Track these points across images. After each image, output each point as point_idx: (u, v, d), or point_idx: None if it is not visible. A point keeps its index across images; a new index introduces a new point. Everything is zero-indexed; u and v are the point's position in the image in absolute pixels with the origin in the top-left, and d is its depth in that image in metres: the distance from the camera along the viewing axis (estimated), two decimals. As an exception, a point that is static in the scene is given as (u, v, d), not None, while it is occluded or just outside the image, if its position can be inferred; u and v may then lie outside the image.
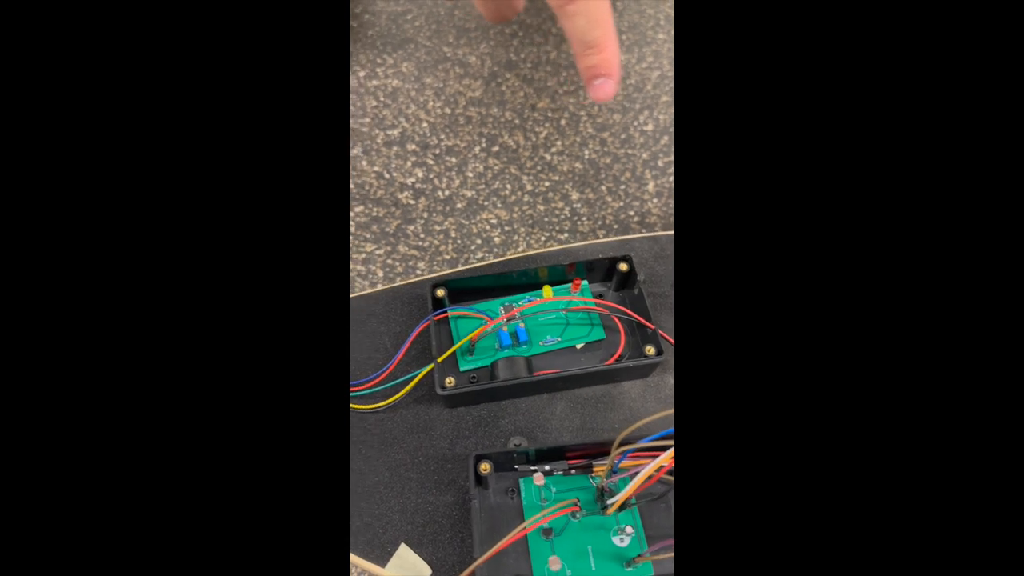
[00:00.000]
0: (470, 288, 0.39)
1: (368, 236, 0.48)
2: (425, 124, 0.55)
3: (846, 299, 0.18)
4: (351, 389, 0.35)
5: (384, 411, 0.35)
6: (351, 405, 0.35)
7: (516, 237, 0.49)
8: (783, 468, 0.18)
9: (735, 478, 0.18)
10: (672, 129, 0.55)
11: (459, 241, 0.48)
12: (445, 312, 0.37)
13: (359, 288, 0.45)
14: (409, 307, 0.38)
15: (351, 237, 0.48)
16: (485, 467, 0.31)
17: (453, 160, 0.53)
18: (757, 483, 0.18)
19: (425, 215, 0.49)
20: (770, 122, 0.19)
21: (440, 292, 0.37)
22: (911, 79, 0.18)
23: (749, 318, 0.18)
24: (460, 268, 0.44)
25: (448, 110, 0.56)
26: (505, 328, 0.37)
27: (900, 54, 0.18)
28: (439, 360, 0.34)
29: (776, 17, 0.19)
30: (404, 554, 0.31)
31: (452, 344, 0.36)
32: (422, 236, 0.48)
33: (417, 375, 0.34)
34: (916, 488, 0.17)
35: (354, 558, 0.31)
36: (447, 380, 0.34)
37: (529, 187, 0.52)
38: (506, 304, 0.39)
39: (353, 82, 0.57)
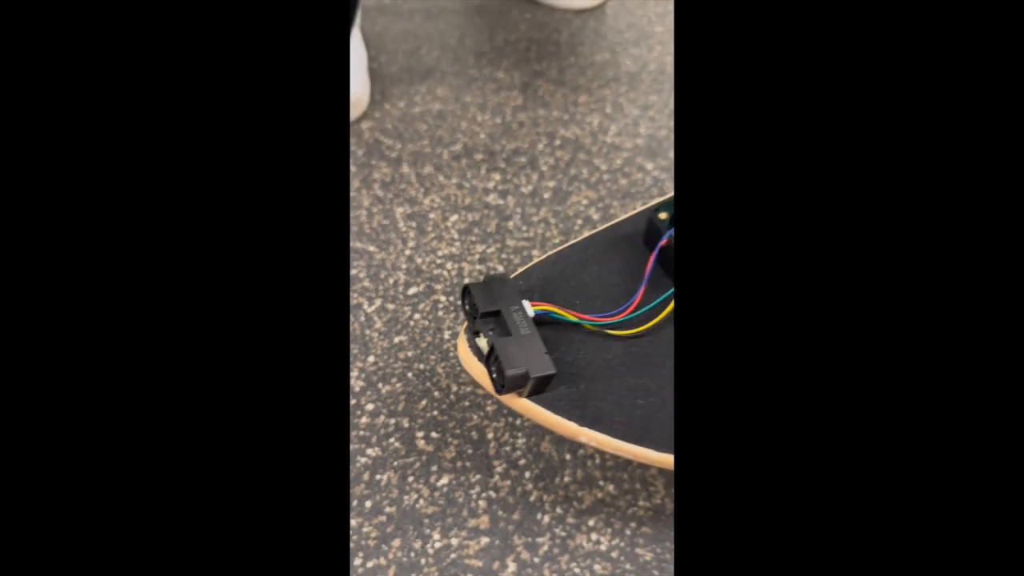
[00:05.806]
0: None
1: (474, 239, 0.49)
2: (482, 135, 0.57)
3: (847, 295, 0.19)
4: (610, 319, 0.33)
5: (646, 334, 0.34)
6: (614, 332, 0.33)
7: (612, 211, 0.50)
8: (784, 467, 0.18)
9: (735, 477, 0.18)
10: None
11: (560, 225, 0.50)
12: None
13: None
14: (619, 245, 0.37)
15: (459, 243, 0.49)
16: None
17: (523, 160, 0.54)
18: (758, 477, 0.18)
19: (519, 210, 0.51)
20: (769, 120, 0.19)
21: (663, 215, 0.36)
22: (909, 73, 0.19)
23: (752, 306, 0.19)
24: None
25: (499, 119, 0.58)
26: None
27: (897, 47, 0.19)
28: None
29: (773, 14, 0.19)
30: None
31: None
32: (524, 228, 0.49)
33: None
34: (907, 463, 0.18)
35: None
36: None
37: (604, 167, 0.54)
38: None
39: (395, 112, 0.59)
